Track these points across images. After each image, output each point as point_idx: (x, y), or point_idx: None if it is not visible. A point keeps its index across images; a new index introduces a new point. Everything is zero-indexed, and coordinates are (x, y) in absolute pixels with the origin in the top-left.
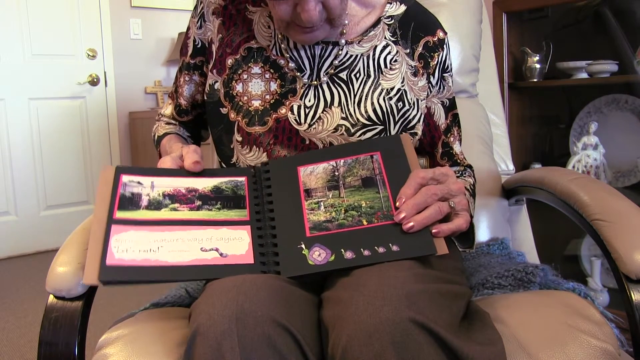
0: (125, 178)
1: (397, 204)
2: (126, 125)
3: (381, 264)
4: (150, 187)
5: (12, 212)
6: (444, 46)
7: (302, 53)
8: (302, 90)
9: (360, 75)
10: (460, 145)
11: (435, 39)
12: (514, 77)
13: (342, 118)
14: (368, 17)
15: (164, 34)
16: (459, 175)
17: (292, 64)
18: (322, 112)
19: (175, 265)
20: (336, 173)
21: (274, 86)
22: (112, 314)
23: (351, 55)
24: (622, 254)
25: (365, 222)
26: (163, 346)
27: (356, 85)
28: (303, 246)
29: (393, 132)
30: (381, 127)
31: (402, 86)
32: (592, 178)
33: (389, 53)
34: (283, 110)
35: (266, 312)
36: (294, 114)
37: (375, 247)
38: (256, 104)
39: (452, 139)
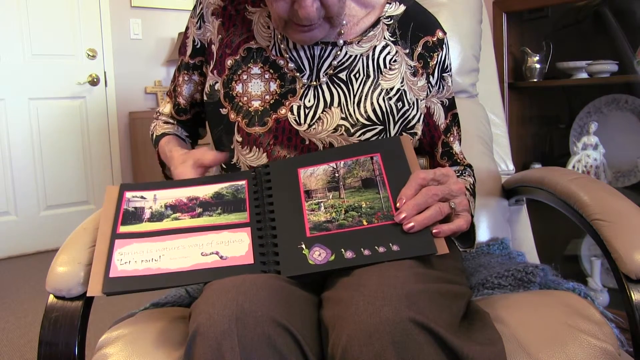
0: (128, 194)
1: (398, 204)
2: (126, 125)
3: (381, 263)
4: (152, 200)
5: (12, 212)
6: (444, 46)
7: (302, 53)
8: (301, 91)
9: (359, 75)
10: (460, 144)
11: (435, 39)
12: (514, 77)
13: (342, 118)
14: (367, 17)
15: (164, 34)
16: (458, 174)
17: (291, 64)
18: (322, 113)
19: (176, 271)
20: (336, 174)
21: (273, 86)
22: (112, 314)
23: (350, 56)
24: (622, 254)
25: (365, 222)
26: (163, 346)
27: (356, 86)
28: (303, 246)
29: (393, 132)
30: (381, 127)
31: (402, 86)
32: (592, 178)
33: (389, 53)
34: (283, 111)
35: (266, 312)
36: (293, 115)
37: (376, 247)
38: (256, 104)
39: (451, 138)
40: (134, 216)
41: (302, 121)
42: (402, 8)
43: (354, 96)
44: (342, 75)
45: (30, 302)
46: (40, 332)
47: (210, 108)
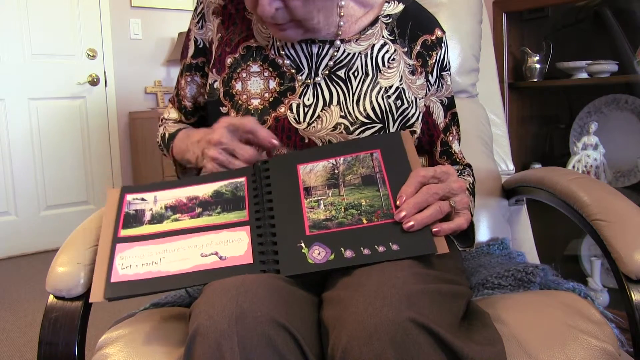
0: (129, 197)
1: (398, 202)
2: (126, 125)
3: (381, 263)
4: (153, 201)
5: (12, 212)
6: (442, 45)
7: (300, 52)
8: (300, 89)
9: (358, 73)
10: (459, 144)
11: (434, 38)
12: (514, 77)
13: (341, 116)
14: (366, 16)
15: (164, 34)
16: (458, 174)
17: (287, 61)
18: (321, 111)
19: (176, 274)
20: (336, 171)
21: (272, 84)
22: (112, 314)
23: (349, 54)
24: (622, 254)
25: (365, 221)
26: (163, 346)
27: (354, 84)
28: (303, 245)
29: (392, 130)
30: (380, 125)
31: (401, 84)
32: (592, 178)
33: (387, 52)
34: (282, 109)
35: (266, 312)
36: (293, 113)
37: (375, 246)
38: (255, 102)
39: (450, 137)
40: (135, 219)
41: (302, 119)
42: (401, 7)
43: (353, 94)
44: (341, 73)
45: (30, 302)
46: (40, 332)
47: (211, 107)
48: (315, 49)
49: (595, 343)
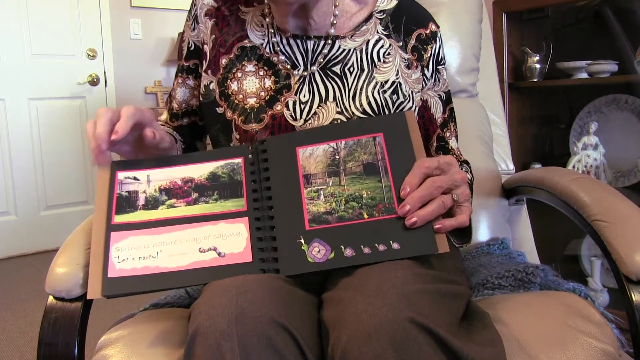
0: (120, 175)
1: (402, 193)
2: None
3: (381, 263)
4: (146, 182)
5: (12, 212)
6: (437, 39)
7: (295, 48)
8: (296, 86)
9: (353, 69)
10: (457, 141)
11: (428, 32)
12: (514, 77)
13: (338, 112)
14: (360, 12)
15: (164, 34)
16: None
17: (282, 57)
18: (318, 107)
19: (174, 270)
20: (337, 157)
21: (268, 83)
22: (111, 315)
23: (344, 50)
24: (623, 254)
25: (366, 216)
26: (163, 346)
27: (350, 79)
28: (302, 241)
29: None
30: None
31: (397, 78)
32: (592, 178)
33: (382, 47)
34: (278, 107)
35: (266, 312)
36: (289, 110)
37: (376, 244)
38: (252, 101)
39: (448, 133)
40: (128, 202)
41: (298, 116)
42: (394, 2)
43: (349, 90)
44: (336, 69)
45: (30, 302)
46: (40, 333)
47: (206, 108)
48: (310, 45)
49: (596, 344)
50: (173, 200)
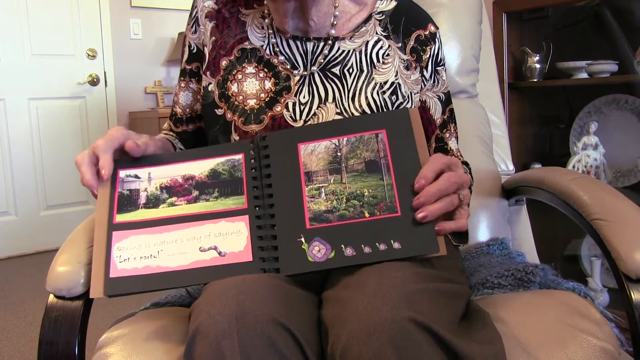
0: (122, 173)
1: (416, 185)
2: (126, 125)
3: (381, 262)
4: (147, 179)
5: (12, 212)
6: (436, 40)
7: (295, 50)
8: (296, 87)
9: (353, 70)
10: (457, 142)
11: (427, 33)
12: (514, 77)
13: (337, 113)
14: (360, 13)
15: (164, 34)
16: None
17: (282, 58)
18: (317, 108)
19: (175, 270)
20: (338, 154)
21: (268, 84)
22: (112, 314)
23: (343, 51)
24: (622, 253)
25: (367, 214)
26: (163, 346)
27: (349, 80)
28: (303, 240)
29: None
30: None
31: (396, 79)
32: (592, 178)
33: (381, 48)
34: (278, 108)
35: (266, 311)
36: (289, 111)
37: (377, 244)
38: (251, 103)
39: (447, 134)
40: (130, 201)
41: (298, 117)
42: (394, 3)
43: (349, 91)
44: (336, 70)
45: (30, 302)
46: (40, 332)
47: (206, 109)
48: (310, 47)
49: (595, 342)
50: (174, 199)
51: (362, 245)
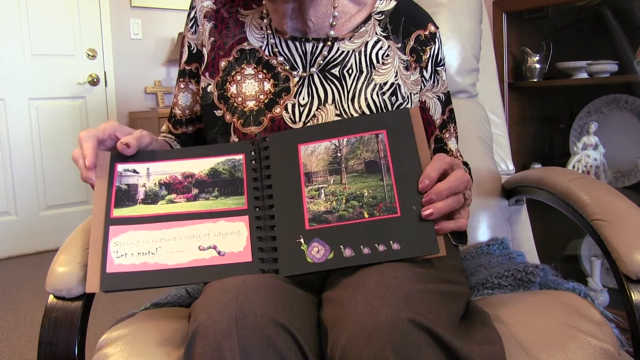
0: (120, 167)
1: (420, 185)
2: (126, 125)
3: (381, 263)
4: (146, 175)
5: (12, 212)
6: (436, 40)
7: (294, 51)
8: (295, 89)
9: (352, 71)
10: (457, 142)
11: (427, 33)
12: (514, 77)
13: (337, 115)
14: (359, 13)
15: (164, 34)
16: None
17: (281, 58)
18: (317, 110)
19: (173, 268)
20: (338, 154)
21: (267, 86)
22: (112, 314)
23: (343, 52)
24: (622, 254)
25: (366, 215)
26: (163, 346)
27: (349, 82)
28: (302, 240)
29: None
30: None
31: (396, 80)
32: (592, 178)
33: (381, 48)
34: (278, 110)
35: (266, 312)
36: (288, 113)
37: (376, 245)
38: (251, 104)
39: (447, 135)
40: (127, 196)
41: (297, 119)
42: (393, 3)
43: (348, 92)
44: (335, 71)
45: (30, 302)
46: (40, 332)
47: (205, 111)
48: (309, 47)
49: (595, 343)
50: (173, 196)
51: (361, 246)
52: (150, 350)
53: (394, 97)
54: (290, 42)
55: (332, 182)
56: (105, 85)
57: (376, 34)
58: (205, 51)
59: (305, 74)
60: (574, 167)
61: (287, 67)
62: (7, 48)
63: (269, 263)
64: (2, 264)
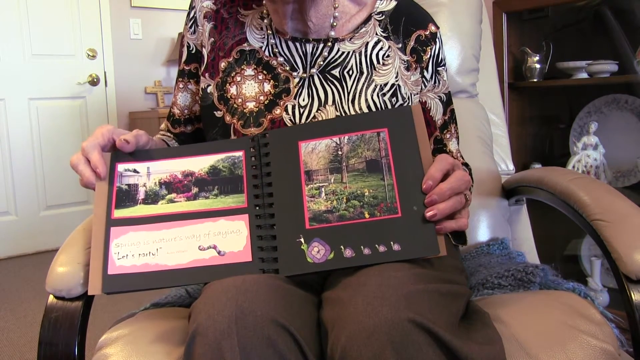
0: (120, 167)
1: (424, 186)
2: (126, 125)
3: (381, 264)
4: (146, 174)
5: (12, 212)
6: (437, 40)
7: (294, 52)
8: (295, 90)
9: (353, 72)
10: (458, 143)
11: (427, 33)
12: (514, 77)
13: (337, 116)
14: (359, 14)
15: (164, 34)
16: None
17: (281, 59)
18: (317, 111)
19: (174, 268)
20: (339, 152)
21: (267, 87)
22: (112, 314)
23: (343, 52)
24: (622, 254)
25: (367, 215)
26: (163, 346)
27: (349, 83)
28: (302, 240)
29: None
30: None
31: (396, 81)
32: (592, 178)
33: (381, 49)
34: (278, 111)
35: (266, 312)
36: (288, 114)
37: (376, 245)
38: (250, 105)
39: (448, 135)
40: (128, 196)
41: (297, 120)
42: (393, 4)
43: (348, 93)
44: (336, 72)
45: (30, 302)
46: (40, 332)
47: (205, 111)
48: (309, 48)
49: (595, 343)
50: (173, 195)
51: (362, 247)
52: (150, 350)
53: (395, 98)
54: (290, 43)
55: (332, 180)
56: (106, 85)
57: (376, 34)
58: (205, 52)
59: (305, 75)
60: (574, 167)
61: (287, 68)
62: (7, 48)
63: (269, 263)
64: (2, 264)
